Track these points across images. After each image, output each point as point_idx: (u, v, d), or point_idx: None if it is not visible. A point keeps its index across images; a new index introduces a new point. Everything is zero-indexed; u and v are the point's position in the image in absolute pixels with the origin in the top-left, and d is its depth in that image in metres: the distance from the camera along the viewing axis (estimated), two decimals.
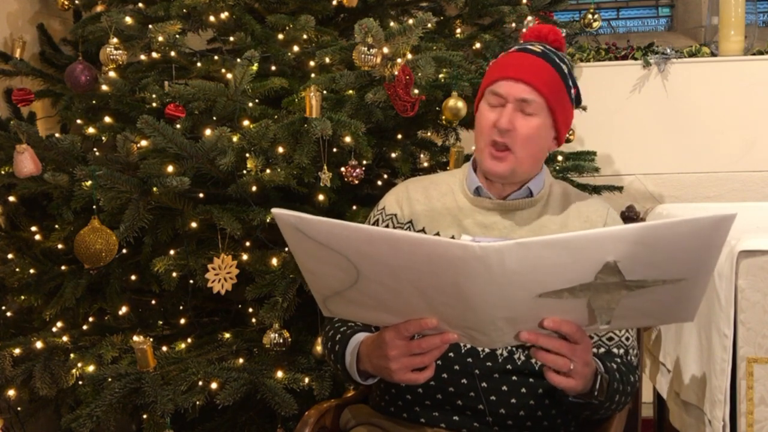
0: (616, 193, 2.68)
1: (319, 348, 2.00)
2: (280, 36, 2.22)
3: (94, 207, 1.91)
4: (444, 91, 2.07)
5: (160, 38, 2.08)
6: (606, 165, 3.13)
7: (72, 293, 2.17)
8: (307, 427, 1.58)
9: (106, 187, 1.88)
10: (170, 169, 1.88)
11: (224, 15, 2.24)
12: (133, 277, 2.27)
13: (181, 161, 1.90)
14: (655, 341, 2.06)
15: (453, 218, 1.59)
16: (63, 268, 2.26)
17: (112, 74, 2.17)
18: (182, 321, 2.28)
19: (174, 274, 2.02)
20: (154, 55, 2.22)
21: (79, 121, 2.37)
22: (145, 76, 2.22)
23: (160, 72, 2.25)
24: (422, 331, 1.28)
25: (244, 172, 1.95)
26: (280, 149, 1.96)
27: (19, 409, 2.30)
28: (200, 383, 1.92)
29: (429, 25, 1.99)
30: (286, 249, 1.99)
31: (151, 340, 1.97)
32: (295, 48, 2.21)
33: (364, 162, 2.01)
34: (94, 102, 2.31)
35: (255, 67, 1.98)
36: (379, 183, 2.33)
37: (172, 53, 2.15)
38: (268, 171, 1.94)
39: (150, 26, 2.10)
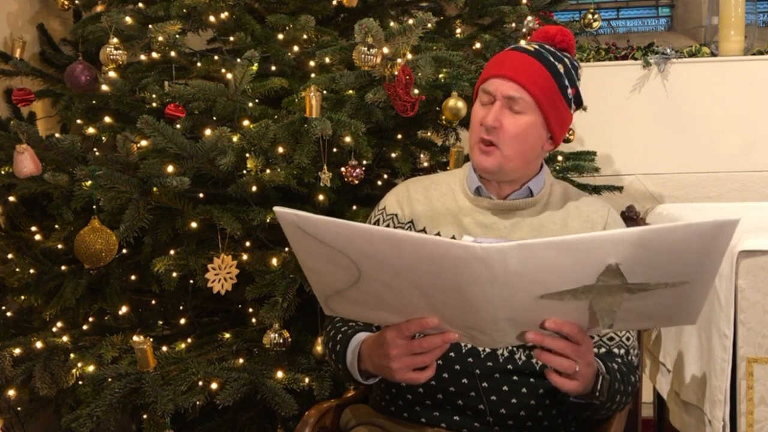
0: (616, 193, 2.68)
1: (319, 348, 2.00)
2: (280, 36, 2.22)
3: (94, 207, 1.91)
4: (444, 91, 2.07)
5: (160, 38, 2.08)
6: (606, 165, 3.13)
7: (72, 293, 2.17)
8: (307, 427, 1.58)
9: (106, 187, 1.87)
10: (170, 169, 1.88)
11: (224, 15, 2.24)
12: (133, 277, 2.27)
13: (181, 161, 1.90)
14: (655, 341, 2.06)
15: (453, 218, 1.59)
16: (63, 268, 2.26)
17: (112, 74, 2.16)
18: (182, 321, 2.28)
19: (174, 274, 2.02)
20: (154, 55, 2.22)
21: (79, 121, 2.37)
22: (145, 76, 2.22)
23: (160, 72, 2.25)
24: (423, 330, 1.28)
25: (244, 172, 1.95)
26: (280, 149, 1.96)
27: (19, 409, 2.30)
28: (200, 383, 1.92)
29: (429, 25, 1.99)
30: (287, 249, 1.99)
31: (151, 340, 1.97)
32: (295, 48, 2.21)
33: (364, 162, 2.01)
34: (94, 102, 2.31)
35: (255, 67, 1.98)
36: (379, 183, 2.33)
37: (172, 53, 2.15)
38: (268, 171, 1.94)
39: (150, 26, 2.10)
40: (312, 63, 2.16)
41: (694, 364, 1.73)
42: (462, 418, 1.51)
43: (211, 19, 2.23)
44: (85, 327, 2.26)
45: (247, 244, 2.08)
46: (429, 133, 2.48)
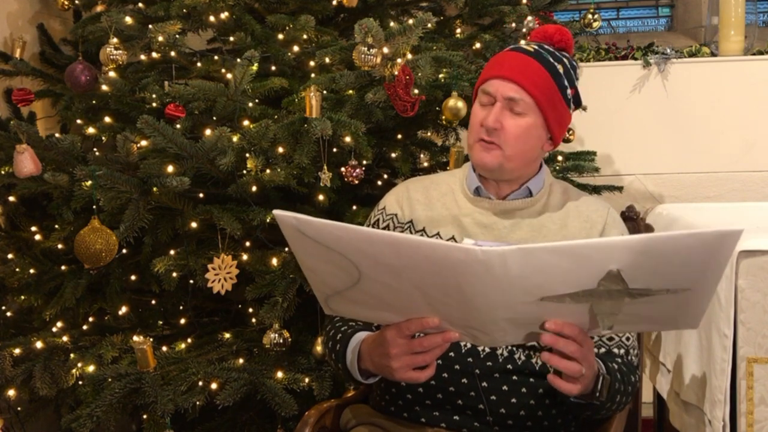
0: (616, 193, 2.68)
1: (319, 348, 2.00)
2: (280, 36, 2.22)
3: (94, 207, 1.91)
4: (444, 91, 2.07)
5: (160, 38, 2.08)
6: (606, 165, 3.13)
7: (72, 293, 2.17)
8: (307, 427, 1.58)
9: (106, 187, 1.87)
10: (170, 169, 1.88)
11: (224, 15, 2.24)
12: (133, 277, 2.27)
13: (181, 161, 1.90)
14: (655, 341, 2.06)
15: (453, 218, 1.59)
16: (63, 268, 2.26)
17: (112, 74, 2.16)
18: (182, 321, 2.28)
19: (174, 274, 2.02)
20: (154, 55, 2.22)
21: (79, 121, 2.37)
22: (145, 76, 2.22)
23: (160, 72, 2.25)
24: (424, 329, 1.28)
25: (244, 172, 1.95)
26: (280, 149, 1.96)
27: (19, 409, 2.30)
28: (200, 383, 1.92)
29: (429, 25, 1.98)
30: (286, 249, 1.99)
31: (151, 340, 1.97)
32: (295, 48, 2.21)
33: (364, 162, 2.01)
34: (94, 102, 2.31)
35: (255, 67, 1.98)
36: (379, 183, 2.33)
37: (172, 53, 2.15)
38: (268, 171, 1.94)
39: (150, 26, 2.10)
40: (312, 63, 2.16)
41: (694, 364, 1.73)
42: (462, 418, 1.51)
43: (211, 19, 2.23)
44: (85, 327, 2.26)
45: (247, 244, 2.08)
46: (429, 133, 2.48)
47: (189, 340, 2.16)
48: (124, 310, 2.23)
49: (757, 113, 3.15)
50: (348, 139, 1.93)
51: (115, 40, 2.13)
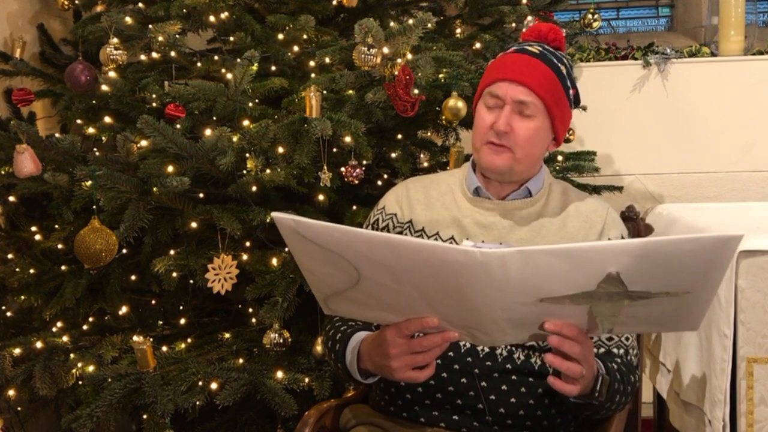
0: (616, 193, 2.68)
1: (319, 348, 2.00)
2: (280, 36, 2.22)
3: (94, 207, 1.91)
4: (444, 91, 2.07)
5: (160, 38, 2.08)
6: (606, 165, 3.13)
7: (72, 293, 2.17)
8: (307, 427, 1.58)
9: (106, 187, 1.87)
10: (170, 169, 1.88)
11: (224, 15, 2.24)
12: (133, 277, 2.27)
13: (181, 161, 1.90)
14: (655, 341, 2.06)
15: (452, 218, 1.59)
16: (63, 268, 2.26)
17: (112, 74, 2.16)
18: (182, 321, 2.28)
19: (174, 274, 2.02)
20: (154, 55, 2.22)
21: (79, 121, 2.37)
22: (145, 76, 2.22)
23: (160, 72, 2.25)
24: (423, 329, 1.28)
25: (244, 172, 1.95)
26: (280, 149, 1.95)
27: (19, 409, 2.30)
28: (200, 383, 1.92)
29: (429, 25, 1.98)
30: (286, 249, 1.99)
31: (151, 340, 1.97)
32: (295, 48, 2.21)
33: (364, 162, 2.01)
34: (94, 102, 2.31)
35: (255, 67, 1.97)
36: (379, 183, 2.33)
37: (172, 53, 2.15)
38: (268, 171, 1.94)
39: (150, 26, 2.10)
40: (312, 63, 2.16)
41: (694, 364, 1.72)
42: (461, 418, 1.51)
43: (211, 19, 2.23)
44: (85, 327, 2.26)
45: (247, 244, 2.08)
46: (429, 133, 2.48)
47: (189, 340, 2.16)
48: (124, 310, 2.23)
49: (757, 113, 3.14)
50: (348, 139, 1.93)
51: (115, 40, 2.13)
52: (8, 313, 2.35)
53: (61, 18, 2.76)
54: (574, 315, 1.20)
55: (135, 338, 2.01)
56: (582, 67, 3.19)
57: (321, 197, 2.03)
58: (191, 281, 2.13)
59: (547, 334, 1.23)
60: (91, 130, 2.27)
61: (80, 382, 2.03)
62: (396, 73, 1.89)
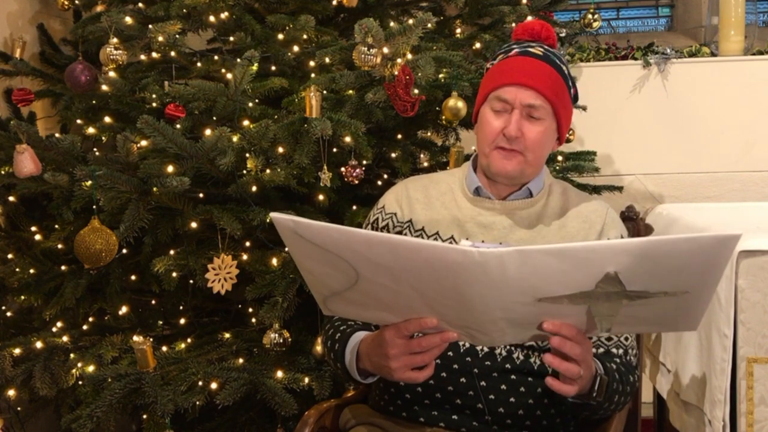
0: (616, 193, 2.68)
1: (319, 348, 2.00)
2: (280, 36, 2.22)
3: (94, 207, 1.91)
4: (444, 91, 2.07)
5: (160, 38, 2.08)
6: (606, 165, 3.13)
7: (72, 293, 2.17)
8: (307, 427, 1.58)
9: (106, 187, 1.88)
10: (170, 169, 1.88)
11: (224, 15, 2.24)
12: (133, 277, 2.27)
13: (181, 161, 1.90)
14: (655, 341, 2.06)
15: (452, 218, 1.59)
16: (63, 268, 2.26)
17: (112, 74, 2.17)
18: (182, 321, 2.28)
19: (174, 274, 2.02)
20: (154, 55, 2.22)
21: (79, 121, 2.38)
22: (145, 76, 2.22)
23: (160, 72, 2.25)
24: (422, 330, 1.28)
25: (244, 172, 1.95)
26: (280, 149, 1.96)
27: (19, 409, 2.30)
28: (200, 383, 1.92)
29: (429, 25, 1.99)
30: (286, 249, 1.99)
31: (151, 340, 1.97)
32: (295, 48, 2.21)
33: (364, 162, 2.01)
34: (94, 102, 2.31)
35: (255, 67, 1.98)
36: (379, 183, 2.33)
37: (172, 53, 2.15)
38: (268, 171, 1.94)
39: (150, 26, 2.10)
40: (312, 63, 2.16)
41: (694, 364, 1.72)
42: (460, 418, 1.51)
43: (211, 19, 2.24)
44: (85, 327, 2.26)
45: (247, 244, 2.08)
46: (429, 133, 2.48)
47: (189, 340, 2.16)
48: (124, 310, 2.23)
49: (757, 113, 3.14)
50: (348, 139, 1.93)
51: (115, 40, 2.13)
52: (8, 313, 2.35)
53: (61, 18, 2.76)
54: (572, 315, 1.20)
55: (135, 338, 2.01)
56: (582, 67, 3.20)
57: (321, 197, 2.03)
58: (191, 281, 2.13)
59: (546, 335, 1.23)
60: (91, 130, 2.27)
61: (80, 382, 2.03)
62: (396, 73, 1.89)
